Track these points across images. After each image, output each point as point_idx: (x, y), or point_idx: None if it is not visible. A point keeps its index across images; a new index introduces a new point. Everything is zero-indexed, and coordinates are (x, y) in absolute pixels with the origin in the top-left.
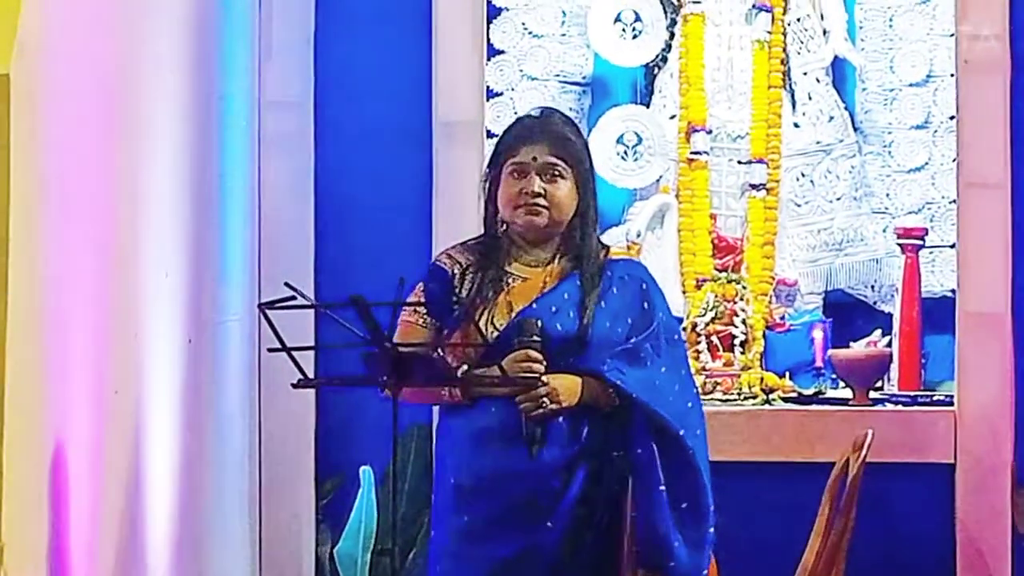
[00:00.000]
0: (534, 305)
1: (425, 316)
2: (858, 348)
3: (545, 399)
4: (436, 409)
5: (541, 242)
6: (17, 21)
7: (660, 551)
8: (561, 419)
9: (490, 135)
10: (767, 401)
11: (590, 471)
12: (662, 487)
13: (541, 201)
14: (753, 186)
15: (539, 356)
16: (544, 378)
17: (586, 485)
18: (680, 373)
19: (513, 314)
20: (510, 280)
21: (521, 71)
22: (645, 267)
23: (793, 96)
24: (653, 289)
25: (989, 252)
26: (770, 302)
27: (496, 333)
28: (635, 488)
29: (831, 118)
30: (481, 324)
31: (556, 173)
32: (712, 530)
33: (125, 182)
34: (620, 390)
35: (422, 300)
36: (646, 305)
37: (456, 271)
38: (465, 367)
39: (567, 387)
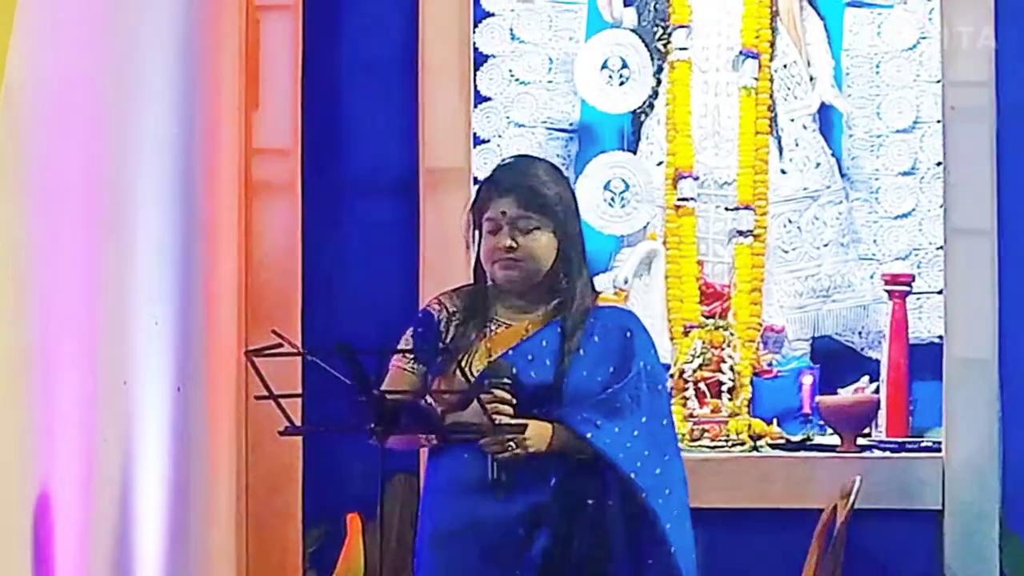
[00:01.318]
0: (510, 352)
1: (412, 361)
2: (846, 395)
3: (511, 443)
4: (424, 457)
5: (525, 291)
6: (4, 66)
7: None
8: (525, 467)
9: (476, 182)
10: (755, 448)
11: (560, 520)
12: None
13: (514, 255)
14: (740, 232)
15: (507, 396)
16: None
17: (555, 534)
18: (661, 423)
19: (491, 359)
20: (493, 327)
21: (508, 118)
22: (633, 315)
23: (780, 142)
24: (639, 337)
25: (976, 298)
26: (757, 349)
27: (472, 379)
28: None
29: (818, 164)
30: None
31: (530, 227)
32: None
33: (113, 229)
34: (589, 443)
35: (410, 346)
36: (627, 354)
37: (443, 316)
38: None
39: (536, 432)
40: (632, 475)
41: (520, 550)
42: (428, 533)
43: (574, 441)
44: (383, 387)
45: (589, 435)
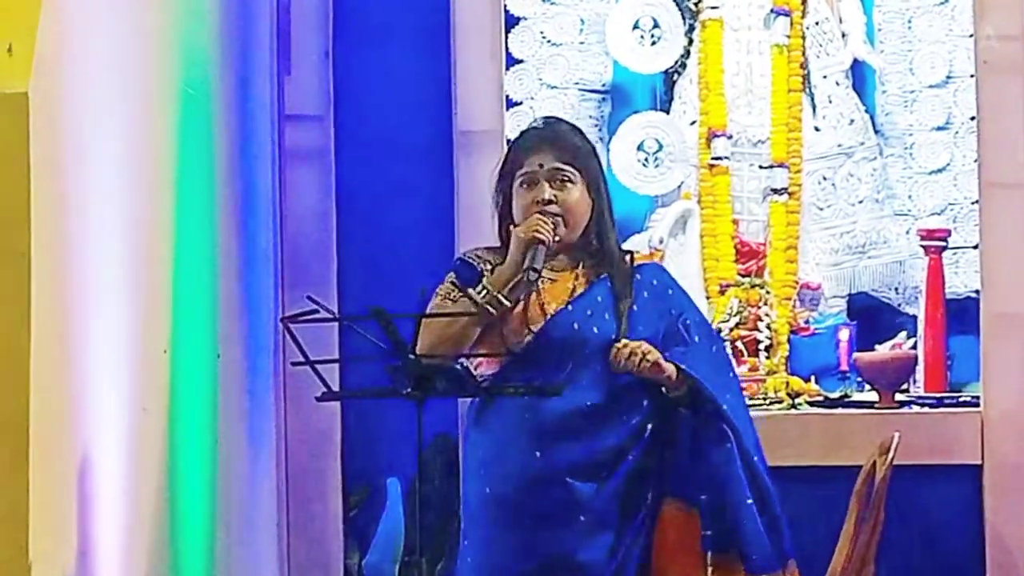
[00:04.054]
0: (569, 307)
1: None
2: (883, 351)
3: (647, 355)
4: (462, 417)
5: (562, 247)
6: (35, 39)
7: (735, 533)
8: (591, 416)
9: (516, 140)
10: (793, 405)
11: (631, 469)
12: (739, 464)
13: (553, 208)
14: (775, 190)
15: (547, 221)
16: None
17: (627, 482)
18: (732, 372)
19: (547, 316)
20: (541, 282)
21: (540, 80)
22: (667, 270)
23: (813, 100)
24: (678, 293)
25: (1012, 252)
26: (794, 306)
27: (529, 336)
28: (706, 471)
29: (851, 121)
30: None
31: (565, 178)
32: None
33: (149, 198)
34: (687, 375)
35: (453, 289)
36: (673, 312)
37: (485, 269)
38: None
39: (656, 351)
40: (726, 409)
41: (590, 498)
42: (483, 497)
43: (682, 380)
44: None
45: (684, 366)
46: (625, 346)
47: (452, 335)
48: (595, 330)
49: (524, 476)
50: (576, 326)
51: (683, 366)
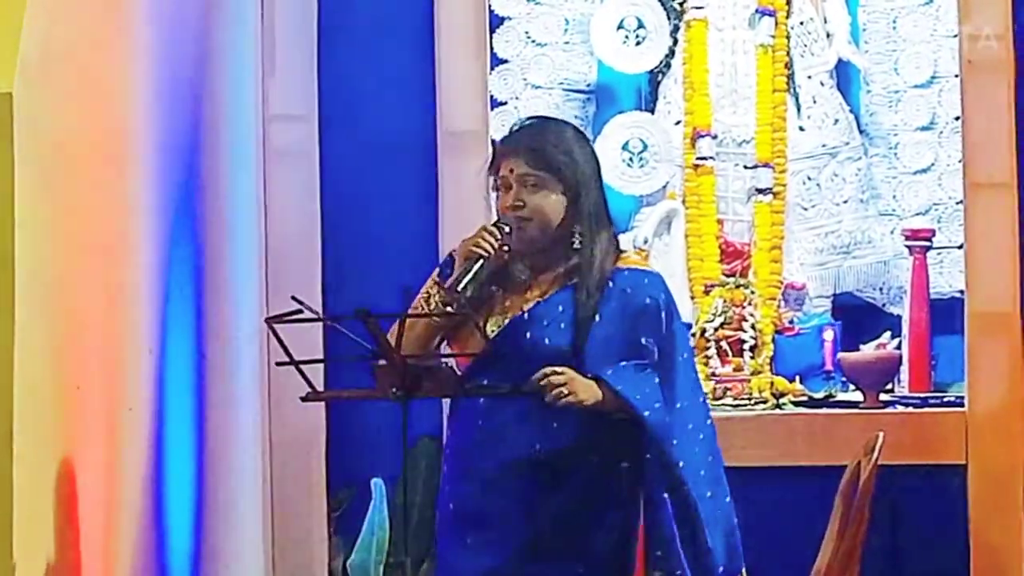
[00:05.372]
0: (525, 315)
1: (441, 293)
2: (868, 351)
3: (562, 388)
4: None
5: (538, 251)
6: (19, 40)
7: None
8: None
9: (495, 144)
10: (777, 405)
11: (583, 478)
12: (665, 494)
13: (521, 213)
14: (759, 190)
15: (493, 232)
16: (561, 371)
17: (574, 489)
18: (695, 395)
19: (505, 321)
20: (510, 285)
21: (525, 80)
22: (657, 279)
23: (798, 100)
24: (663, 304)
25: (997, 252)
26: (779, 306)
27: (488, 338)
28: (646, 496)
29: (836, 121)
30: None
31: (534, 183)
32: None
33: (133, 198)
34: (630, 404)
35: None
36: (650, 322)
37: None
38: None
39: (585, 384)
40: (673, 443)
41: (533, 512)
42: (448, 498)
43: (613, 400)
44: (409, 313)
45: (619, 387)
46: (545, 376)
47: (413, 336)
48: (547, 341)
49: (478, 479)
50: (528, 335)
51: (617, 387)
